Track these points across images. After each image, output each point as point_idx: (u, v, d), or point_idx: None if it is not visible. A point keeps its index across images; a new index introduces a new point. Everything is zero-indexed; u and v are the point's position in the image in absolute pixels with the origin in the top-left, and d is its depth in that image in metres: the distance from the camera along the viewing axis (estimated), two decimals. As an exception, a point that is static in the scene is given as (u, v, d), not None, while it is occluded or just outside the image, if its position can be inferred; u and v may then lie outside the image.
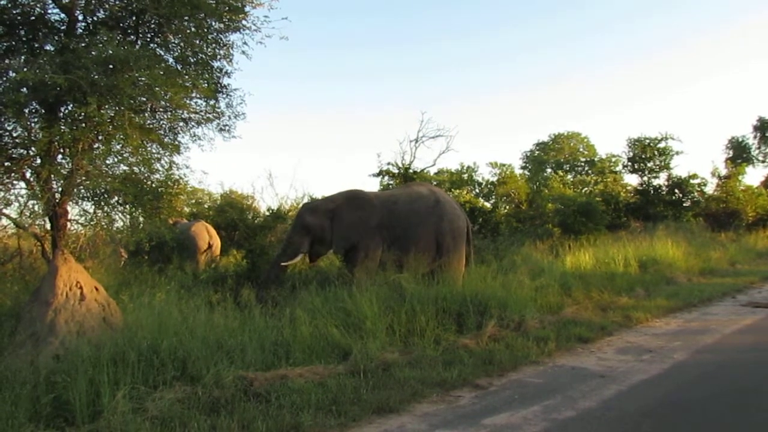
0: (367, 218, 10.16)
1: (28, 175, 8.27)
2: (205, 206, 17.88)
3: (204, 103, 9.20)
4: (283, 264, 10.04)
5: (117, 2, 8.30)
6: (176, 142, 9.21)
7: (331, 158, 54.96)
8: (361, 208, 10.27)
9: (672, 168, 23.01)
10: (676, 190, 22.78)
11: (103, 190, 8.49)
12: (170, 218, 9.76)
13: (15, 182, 8.30)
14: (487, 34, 68.26)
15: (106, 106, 7.84)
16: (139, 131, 7.95)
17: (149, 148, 8.68)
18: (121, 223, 9.37)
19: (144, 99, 8.01)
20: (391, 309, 7.70)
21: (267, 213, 16.09)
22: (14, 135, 8.12)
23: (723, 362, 6.77)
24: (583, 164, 37.00)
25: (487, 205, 21.52)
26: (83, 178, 8.10)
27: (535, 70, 66.64)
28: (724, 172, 24.24)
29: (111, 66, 7.33)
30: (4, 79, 7.64)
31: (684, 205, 22.69)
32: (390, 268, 9.56)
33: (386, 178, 18.62)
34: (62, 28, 8.34)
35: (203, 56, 9.01)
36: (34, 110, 8.16)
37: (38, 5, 8.09)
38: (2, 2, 7.80)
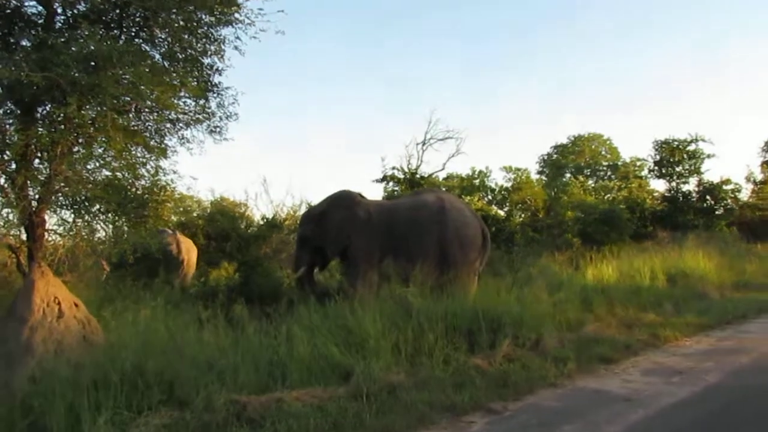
0: (353, 217, 10.51)
1: (2, 181, 8.29)
2: (194, 214, 17.88)
3: (193, 103, 9.24)
4: (296, 278, 10.83)
5: (99, -7, 8.35)
6: (163, 145, 9.24)
7: (331, 163, 55.02)
8: (345, 207, 10.64)
9: (703, 173, 23.00)
10: (708, 197, 22.73)
11: (83, 198, 8.51)
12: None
13: (-13, 189, 8.33)
14: (501, 33, 68.40)
15: (87, 107, 7.87)
16: (122, 133, 7.97)
17: (134, 152, 8.70)
18: (103, 233, 9.41)
19: (128, 99, 8.04)
20: (396, 326, 7.68)
21: (261, 222, 16.16)
22: (-13, 138, 8.16)
23: (759, 385, 6.74)
24: (605, 168, 37.06)
25: (501, 213, 21.53)
26: (62, 184, 8.12)
27: (555, 67, 66.66)
28: (760, 176, 24.19)
29: (92, 63, 7.36)
30: (-23, 77, 7.68)
31: (716, 213, 22.62)
32: (395, 282, 9.58)
33: (391, 183, 18.70)
34: (40, 22, 8.38)
35: (192, 52, 9.04)
36: (9, 111, 8.19)
37: (14, -3, 8.14)
38: (-25, -6, 7.87)
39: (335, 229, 10.54)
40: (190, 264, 14.67)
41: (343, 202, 10.77)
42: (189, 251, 14.63)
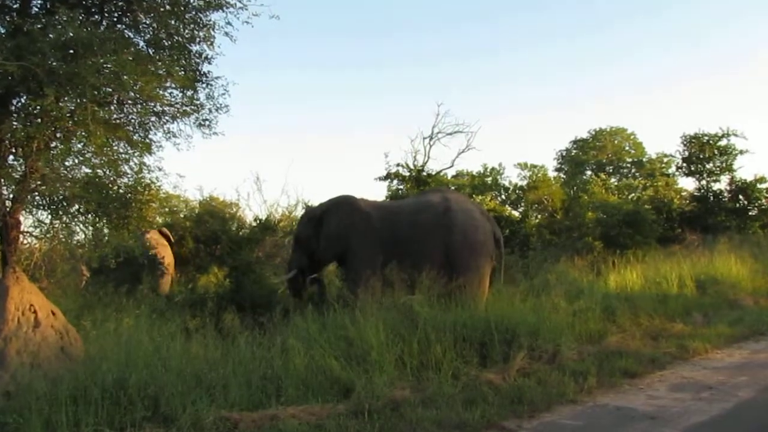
0: (351, 225, 10.69)
1: (-27, 180, 8.33)
2: (181, 215, 17.89)
3: (180, 94, 9.26)
4: (285, 279, 11.17)
5: (79, -24, 8.38)
6: (147, 140, 9.26)
7: (330, 159, 55.05)
8: (343, 213, 10.82)
9: (735, 170, 22.86)
10: (741, 197, 22.63)
11: (61, 197, 8.54)
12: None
13: (-43, 188, 8.36)
14: (514, 17, 68.22)
15: (66, 98, 7.89)
16: (104, 127, 7.99)
17: (116, 147, 8.72)
18: (83, 236, 9.43)
19: (110, 89, 8.06)
20: (401, 337, 7.70)
21: (254, 223, 16.16)
22: (-43, 133, 8.19)
23: (797, 401, 6.73)
24: (629, 165, 36.94)
25: (515, 213, 21.51)
26: (38, 182, 8.16)
27: (575, 57, 66.45)
28: (798, 174, 24.03)
29: (71, 51, 7.39)
30: (-54, 67, 7.71)
31: (750, 213, 22.53)
32: (399, 289, 9.59)
33: (395, 181, 18.68)
34: (15, 6, 8.40)
35: (179, 39, 9.06)
36: (-20, 103, 8.23)
37: (-14, -19, 8.18)
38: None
39: (330, 235, 10.79)
40: (168, 265, 14.45)
41: (342, 208, 10.97)
42: (160, 254, 14.39)
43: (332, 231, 10.78)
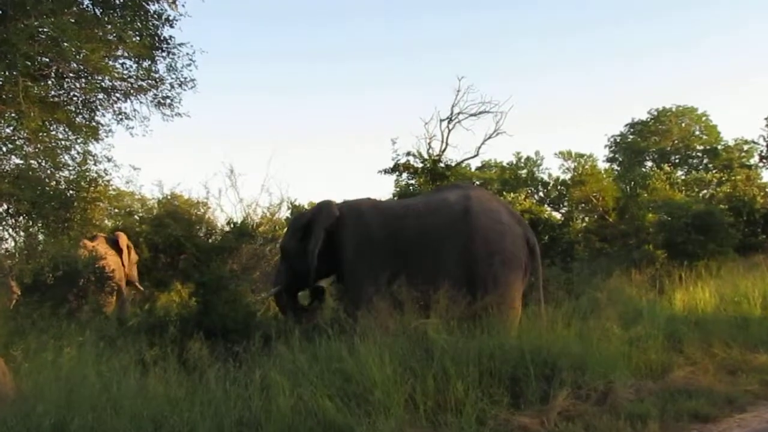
0: (348, 234, 10.83)
1: None
2: (136, 218, 17.95)
3: (134, 65, 9.27)
4: (266, 297, 11.61)
5: None
6: (93, 123, 9.28)
7: (323, 147, 55.13)
8: (339, 220, 10.92)
9: (836, 161, 22.92)
10: (843, 193, 22.65)
11: (-15, 195, 8.58)
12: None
13: None
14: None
15: (-8, 71, 7.94)
16: (39, 107, 8.02)
17: (54, 133, 8.75)
18: (13, 244, 9.45)
19: (47, 60, 8.09)
20: (411, 371, 7.71)
21: (227, 228, 16.19)
22: None
23: None
24: (700, 155, 36.93)
25: (556, 215, 21.53)
26: (-43, 176, 8.20)
27: (633, 22, 66.37)
28: None
29: (-1, 11, 7.43)
30: None
31: None
32: (410, 311, 9.59)
33: (405, 175, 18.61)
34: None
35: (134, -5, 9.09)
36: None
37: None
38: None
39: (316, 248, 10.90)
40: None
41: (331, 213, 11.09)
42: (110, 266, 14.39)
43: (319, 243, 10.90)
